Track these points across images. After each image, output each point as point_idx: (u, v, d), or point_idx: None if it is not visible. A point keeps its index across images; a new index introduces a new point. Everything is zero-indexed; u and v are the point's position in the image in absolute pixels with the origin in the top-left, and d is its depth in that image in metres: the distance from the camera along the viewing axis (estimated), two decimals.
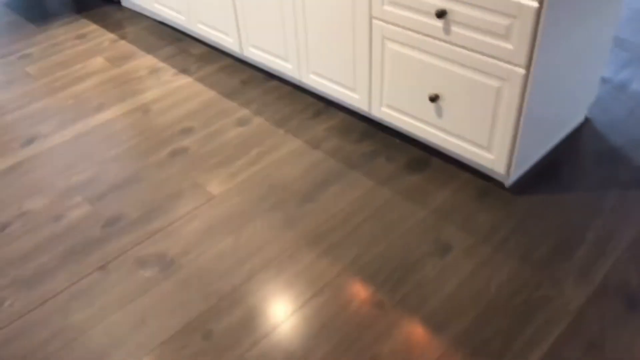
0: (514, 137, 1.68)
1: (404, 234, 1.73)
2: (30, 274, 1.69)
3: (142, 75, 2.59)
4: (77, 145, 2.19)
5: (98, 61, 2.72)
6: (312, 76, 2.20)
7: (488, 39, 1.56)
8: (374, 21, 1.82)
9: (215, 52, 2.75)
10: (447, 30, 1.64)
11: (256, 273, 1.64)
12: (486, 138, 1.73)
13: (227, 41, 2.51)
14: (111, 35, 2.94)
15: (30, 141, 2.23)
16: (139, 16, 3.13)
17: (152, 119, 2.31)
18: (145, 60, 2.71)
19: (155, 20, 3.07)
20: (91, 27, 3.03)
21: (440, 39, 1.67)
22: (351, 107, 2.26)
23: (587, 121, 2.13)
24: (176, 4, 2.67)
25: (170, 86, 2.51)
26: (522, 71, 1.53)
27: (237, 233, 1.78)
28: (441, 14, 1.60)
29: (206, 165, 2.05)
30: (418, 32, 1.72)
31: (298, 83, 2.44)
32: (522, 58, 1.51)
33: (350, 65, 2.01)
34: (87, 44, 2.88)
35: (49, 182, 2.02)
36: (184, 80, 2.54)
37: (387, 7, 1.76)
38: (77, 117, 2.35)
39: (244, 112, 2.31)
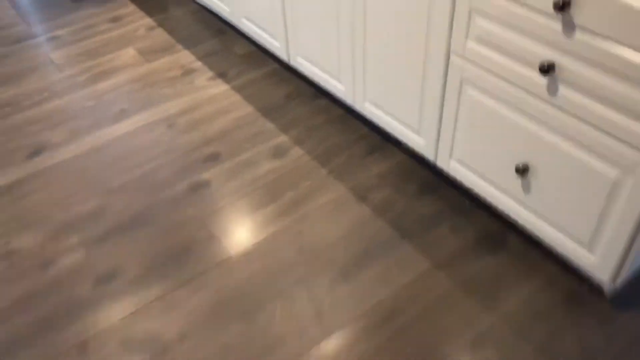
0: (630, 241, 1.21)
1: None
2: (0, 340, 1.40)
3: (174, 76, 2.23)
4: (87, 163, 1.87)
5: (129, 53, 2.38)
6: (368, 105, 1.77)
7: (611, 113, 1.09)
8: (453, 57, 1.37)
9: (261, 53, 2.34)
10: (552, 90, 1.17)
11: None
12: (588, 234, 1.28)
13: (273, 45, 2.10)
14: (149, 20, 2.59)
15: (37, 152, 1.93)
16: None
17: (175, 136, 1.95)
18: (181, 57, 2.34)
19: (202, 5, 2.69)
20: (129, 9, 2.68)
21: (541, 99, 1.21)
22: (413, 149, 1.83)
23: None
24: None
25: (204, 94, 2.14)
26: None
27: (250, 318, 1.41)
28: (547, 69, 1.14)
29: (228, 209, 1.68)
30: (511, 83, 1.26)
31: (351, 107, 2.01)
32: None
33: (416, 103, 1.57)
34: (121, 30, 2.53)
35: (47, 211, 1.72)
36: (220, 87, 2.16)
37: (472, 44, 1.30)
38: (93, 125, 2.02)
39: (283, 138, 1.91)
